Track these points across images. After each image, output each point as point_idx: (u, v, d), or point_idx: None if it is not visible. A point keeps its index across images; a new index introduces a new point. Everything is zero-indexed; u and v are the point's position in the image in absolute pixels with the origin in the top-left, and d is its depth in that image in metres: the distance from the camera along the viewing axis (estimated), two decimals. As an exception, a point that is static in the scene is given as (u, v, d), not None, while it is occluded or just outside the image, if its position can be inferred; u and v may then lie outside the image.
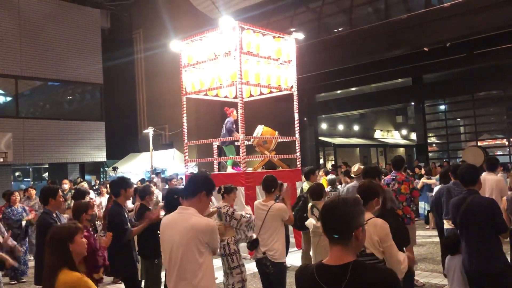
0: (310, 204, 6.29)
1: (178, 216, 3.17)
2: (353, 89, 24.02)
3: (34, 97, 20.17)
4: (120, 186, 5.22)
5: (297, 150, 10.55)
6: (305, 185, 7.89)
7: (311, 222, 6.09)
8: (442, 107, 24.75)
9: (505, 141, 22.64)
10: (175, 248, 3.08)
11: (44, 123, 18.39)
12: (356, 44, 17.50)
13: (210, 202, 3.56)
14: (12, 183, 18.78)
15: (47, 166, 20.71)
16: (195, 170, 16.90)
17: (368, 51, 17.68)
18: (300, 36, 11.02)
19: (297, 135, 10.53)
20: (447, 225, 6.08)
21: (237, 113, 9.84)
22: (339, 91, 24.43)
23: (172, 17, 22.29)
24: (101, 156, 20.16)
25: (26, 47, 17.72)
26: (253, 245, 4.92)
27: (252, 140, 10.06)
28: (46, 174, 21.97)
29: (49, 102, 20.52)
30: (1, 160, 15.94)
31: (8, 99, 18.82)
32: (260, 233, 4.90)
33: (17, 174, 21.05)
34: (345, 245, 2.01)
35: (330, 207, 2.06)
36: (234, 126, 9.80)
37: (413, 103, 24.39)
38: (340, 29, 18.99)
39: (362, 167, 7.77)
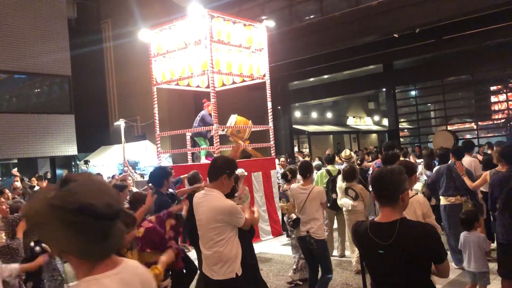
0: (343, 185, 6.90)
1: (204, 197, 3.61)
2: (325, 76, 24.13)
3: (0, 90, 19.53)
4: (163, 176, 5.42)
5: (271, 139, 10.53)
6: (331, 168, 8.33)
7: (347, 202, 6.75)
8: (413, 92, 25.12)
9: (473, 125, 23.15)
10: (203, 225, 3.58)
11: (11, 117, 17.87)
12: (327, 31, 17.54)
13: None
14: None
15: (15, 161, 20.17)
16: (169, 161, 16.73)
17: (339, 38, 17.76)
18: (271, 24, 10.94)
19: (270, 124, 10.50)
20: (444, 201, 6.53)
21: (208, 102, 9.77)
22: (311, 79, 24.51)
23: (141, 5, 21.85)
24: (72, 150, 19.73)
25: (-11, 38, 17.11)
26: (295, 224, 5.48)
27: (225, 129, 9.98)
28: (16, 169, 21.39)
29: (15, 95, 19.91)
30: (-33, 156, 15.44)
31: (-28, 93, 18.18)
32: (301, 214, 5.36)
33: (-15, 169, 20.45)
34: (393, 206, 2.44)
35: (380, 177, 2.49)
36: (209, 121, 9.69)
37: (384, 89, 24.68)
38: (311, 16, 19.00)
39: (351, 152, 9.59)
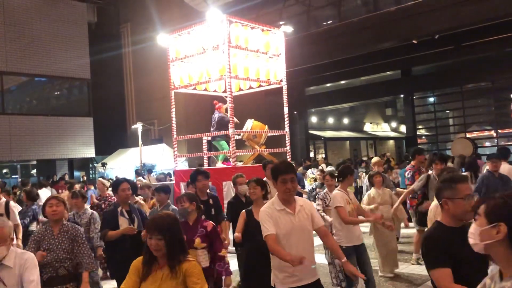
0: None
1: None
2: (342, 82, 24.02)
3: (20, 93, 19.88)
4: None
5: (287, 144, 10.51)
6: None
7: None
8: (431, 99, 24.86)
9: (493, 133, 22.80)
10: None
11: (31, 119, 18.17)
12: (345, 37, 17.47)
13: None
14: (-1, 180, 18.55)
15: (35, 162, 20.49)
16: (185, 165, 16.80)
17: (357, 44, 17.67)
18: (289, 29, 10.95)
19: (287, 129, 10.48)
20: None
21: (226, 107, 9.77)
22: (328, 84, 24.42)
23: (160, 11, 22.06)
24: (90, 152, 19.97)
25: (11, 42, 17.44)
26: None
27: (242, 134, 9.99)
28: (35, 170, 21.74)
29: (36, 98, 20.26)
30: (-12, 157, 15.74)
31: (-6, 95, 18.54)
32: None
33: (4, 171, 20.80)
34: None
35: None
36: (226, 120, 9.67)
37: (402, 96, 24.48)
38: (329, 22, 18.95)
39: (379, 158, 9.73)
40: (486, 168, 6.86)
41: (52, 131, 18.44)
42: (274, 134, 10.99)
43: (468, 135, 21.06)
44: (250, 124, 10.05)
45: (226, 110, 9.66)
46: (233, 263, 6.11)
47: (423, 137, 25.97)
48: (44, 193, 10.96)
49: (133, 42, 24.07)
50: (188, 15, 19.33)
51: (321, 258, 6.65)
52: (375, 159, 9.56)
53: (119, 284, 5.17)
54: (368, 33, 17.00)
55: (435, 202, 4.20)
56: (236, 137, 9.66)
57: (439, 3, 15.16)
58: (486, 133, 23.93)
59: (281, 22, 16.51)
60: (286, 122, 10.49)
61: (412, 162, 7.83)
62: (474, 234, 1.83)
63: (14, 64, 17.51)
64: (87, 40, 20.02)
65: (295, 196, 3.40)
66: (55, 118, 18.86)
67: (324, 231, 3.43)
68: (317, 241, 3.63)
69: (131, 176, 16.41)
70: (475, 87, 22.85)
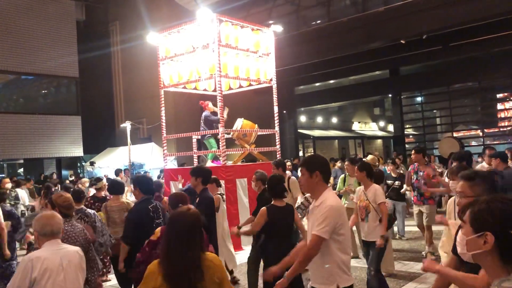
0: None
1: (333, 195, 3.37)
2: (331, 81, 24.15)
3: (7, 91, 19.67)
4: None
5: (277, 143, 10.55)
6: None
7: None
8: (419, 99, 25.06)
9: (479, 132, 23.07)
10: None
11: (18, 117, 18.00)
12: (334, 36, 17.57)
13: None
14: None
15: (22, 161, 20.30)
16: (174, 164, 16.77)
17: (346, 44, 17.79)
18: (279, 28, 11.00)
19: (276, 128, 10.52)
20: None
21: (214, 105, 9.79)
22: (317, 84, 24.53)
23: (149, 9, 21.96)
24: (78, 151, 19.85)
25: (-2, 39, 17.26)
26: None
27: (231, 133, 10.01)
28: (22, 169, 21.54)
29: (23, 96, 20.06)
30: (-26, 156, 15.57)
31: (-20, 93, 18.33)
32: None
33: (-9, 170, 20.60)
34: None
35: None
36: (213, 116, 9.69)
37: (390, 95, 24.64)
38: (318, 21, 19.04)
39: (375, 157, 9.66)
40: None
41: (39, 129, 18.28)
42: (264, 133, 11.02)
43: (455, 135, 21.29)
44: (240, 123, 10.08)
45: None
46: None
47: (411, 136, 26.18)
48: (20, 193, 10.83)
49: (122, 41, 23.94)
50: (178, 14, 19.29)
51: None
52: (370, 157, 9.60)
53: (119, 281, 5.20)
54: (357, 33, 17.12)
55: (452, 198, 4.28)
56: (226, 136, 9.68)
57: (427, 4, 15.32)
58: (473, 132, 24.20)
59: (270, 22, 16.55)
60: (276, 121, 10.53)
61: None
62: (461, 244, 1.74)
63: (1, 62, 17.32)
64: (75, 38, 19.87)
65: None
66: (43, 116, 18.71)
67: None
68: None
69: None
70: (462, 87, 23.09)
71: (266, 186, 5.10)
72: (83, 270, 3.37)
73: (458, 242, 1.80)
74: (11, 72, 18.25)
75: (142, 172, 14.77)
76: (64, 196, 4.45)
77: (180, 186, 8.13)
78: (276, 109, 10.46)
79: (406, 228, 9.20)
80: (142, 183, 5.18)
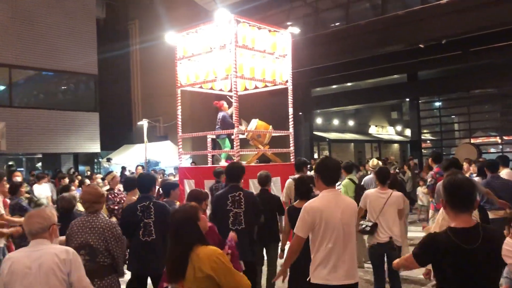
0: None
1: (332, 196, 3.57)
2: (348, 84, 24.02)
3: (28, 86, 20.04)
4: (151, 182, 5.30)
5: (291, 145, 10.56)
6: (352, 177, 8.38)
7: None
8: (437, 104, 24.80)
9: (498, 139, 22.74)
10: (341, 224, 3.48)
11: (37, 112, 18.31)
12: (352, 39, 17.49)
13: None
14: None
15: (40, 156, 20.65)
16: (188, 162, 16.89)
17: (364, 47, 17.68)
18: (296, 30, 10.98)
19: (291, 130, 10.53)
20: (492, 215, 6.57)
21: (228, 105, 9.84)
22: (334, 86, 24.43)
23: (168, 9, 22.16)
24: (95, 147, 20.11)
25: (20, 36, 17.59)
26: (373, 229, 5.35)
27: (246, 133, 10.05)
28: (40, 164, 21.90)
29: (43, 92, 20.41)
30: (-6, 149, 15.90)
31: (2, 88, 18.69)
32: (381, 219, 5.30)
33: (10, 163, 20.96)
34: (470, 213, 2.58)
35: (460, 184, 2.61)
36: (230, 120, 9.72)
37: (408, 100, 24.43)
38: (336, 24, 18.98)
39: (378, 161, 9.44)
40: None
41: (58, 125, 18.58)
42: (278, 134, 11.04)
43: (473, 141, 21.02)
44: (255, 123, 10.11)
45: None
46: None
47: (428, 141, 25.91)
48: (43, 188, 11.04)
49: (140, 39, 24.19)
50: (196, 14, 19.44)
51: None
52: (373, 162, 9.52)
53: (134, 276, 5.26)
54: (375, 36, 17.02)
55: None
56: (240, 136, 9.72)
57: (447, 8, 15.17)
58: (491, 139, 23.86)
59: (288, 23, 16.56)
60: (291, 123, 10.53)
61: (436, 169, 7.58)
62: (510, 251, 1.85)
63: (22, 58, 17.65)
64: (95, 36, 20.15)
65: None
66: (62, 112, 19.01)
67: None
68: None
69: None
70: (481, 93, 22.77)
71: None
72: (61, 273, 2.98)
73: (506, 249, 2.10)
74: (32, 68, 18.58)
75: (151, 171, 14.92)
76: (86, 191, 4.42)
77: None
78: (291, 110, 10.46)
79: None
80: (138, 182, 5.27)
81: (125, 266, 4.96)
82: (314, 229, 3.48)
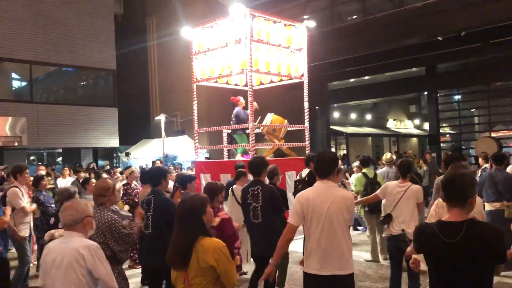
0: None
1: (325, 187, 3.59)
2: (366, 78, 23.85)
3: (48, 82, 20.39)
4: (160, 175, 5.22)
5: (307, 139, 10.56)
6: (367, 171, 8.22)
7: None
8: (456, 97, 24.48)
9: (519, 132, 22.38)
10: (327, 215, 3.50)
11: (57, 108, 18.61)
12: (369, 32, 17.36)
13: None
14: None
15: (60, 150, 21.01)
16: (206, 157, 17.01)
17: (381, 40, 17.54)
18: (312, 24, 10.93)
19: (306, 124, 10.52)
20: (489, 207, 6.65)
21: (245, 100, 9.86)
22: (351, 80, 24.29)
23: (184, 4, 22.27)
24: (114, 142, 20.37)
25: (40, 32, 17.87)
26: (387, 219, 5.37)
27: (261, 128, 10.08)
28: (60, 158, 22.29)
29: (63, 87, 20.74)
30: (16, 144, 16.21)
31: (23, 84, 19.06)
32: (395, 212, 5.27)
33: (31, 158, 21.38)
34: (462, 208, 2.59)
35: (452, 179, 2.64)
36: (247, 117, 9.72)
37: (426, 93, 24.17)
38: (353, 17, 18.84)
39: (392, 155, 9.42)
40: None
41: (77, 120, 18.86)
42: (294, 128, 11.05)
43: (493, 134, 20.72)
44: (270, 118, 10.12)
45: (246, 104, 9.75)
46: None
47: (447, 135, 25.61)
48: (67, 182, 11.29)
49: (158, 34, 24.35)
50: (212, 8, 19.46)
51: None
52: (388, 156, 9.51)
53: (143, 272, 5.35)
54: (392, 29, 16.86)
55: (438, 200, 4.41)
56: (256, 130, 9.75)
57: (466, 0, 14.95)
58: (512, 132, 23.48)
59: (304, 17, 16.49)
60: (306, 117, 10.53)
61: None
62: None
63: (42, 54, 17.95)
64: (113, 31, 20.35)
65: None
66: (81, 107, 19.29)
67: None
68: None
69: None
70: (501, 86, 22.39)
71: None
72: (80, 269, 2.94)
73: None
74: (52, 64, 18.88)
75: (170, 165, 15.09)
76: (95, 184, 4.55)
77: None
78: (306, 104, 10.45)
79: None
80: (147, 176, 5.40)
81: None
82: (305, 219, 3.60)
